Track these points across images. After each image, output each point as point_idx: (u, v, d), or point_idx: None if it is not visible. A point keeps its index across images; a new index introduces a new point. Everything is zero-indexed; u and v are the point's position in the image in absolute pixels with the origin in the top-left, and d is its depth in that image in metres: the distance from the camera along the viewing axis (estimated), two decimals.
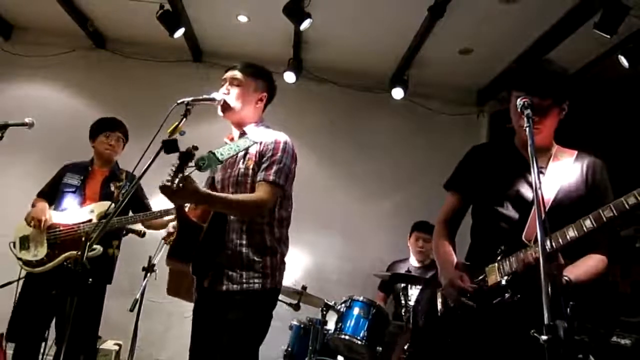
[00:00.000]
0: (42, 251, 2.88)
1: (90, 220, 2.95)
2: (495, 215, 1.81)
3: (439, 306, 1.88)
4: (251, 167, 2.02)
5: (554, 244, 1.51)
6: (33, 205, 3.03)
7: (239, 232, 2.00)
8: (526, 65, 1.88)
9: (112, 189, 3.12)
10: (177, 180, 1.63)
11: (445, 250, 1.93)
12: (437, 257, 1.96)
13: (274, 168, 1.98)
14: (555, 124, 1.80)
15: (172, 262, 2.03)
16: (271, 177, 1.96)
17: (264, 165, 1.99)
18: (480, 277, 1.75)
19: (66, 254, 2.87)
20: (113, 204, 2.97)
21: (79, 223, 2.95)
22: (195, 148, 1.69)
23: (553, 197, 1.71)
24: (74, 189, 3.07)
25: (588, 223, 1.49)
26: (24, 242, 2.91)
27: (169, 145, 1.70)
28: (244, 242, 1.99)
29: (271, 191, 1.96)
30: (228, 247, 2.00)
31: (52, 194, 3.11)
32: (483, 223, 1.89)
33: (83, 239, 2.78)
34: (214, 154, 1.82)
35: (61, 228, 2.93)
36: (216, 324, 1.96)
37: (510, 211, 1.78)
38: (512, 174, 1.83)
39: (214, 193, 1.91)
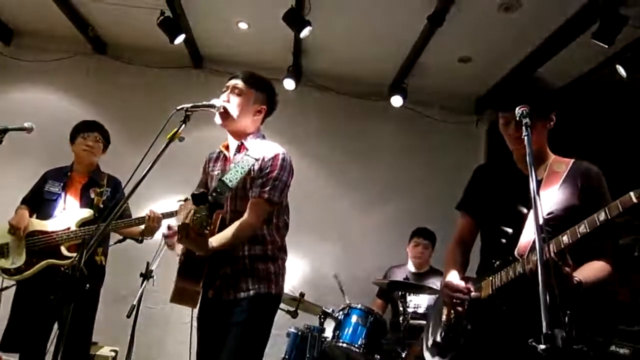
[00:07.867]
0: (20, 259, 2.83)
1: (68, 229, 2.91)
2: (495, 232, 1.88)
3: (444, 317, 1.95)
4: (249, 180, 2.05)
5: (549, 251, 1.51)
6: (16, 213, 2.99)
7: (241, 244, 2.04)
8: (509, 85, 1.92)
9: (92, 195, 3.07)
10: (205, 229, 1.75)
11: (450, 263, 2.00)
12: (444, 270, 2.03)
13: (270, 185, 2.02)
14: (545, 136, 1.83)
15: (182, 283, 2.05)
16: (266, 195, 2.01)
17: (260, 181, 2.03)
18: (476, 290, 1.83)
19: (44, 261, 2.83)
20: (92, 211, 2.98)
21: (58, 231, 2.90)
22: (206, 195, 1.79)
23: (548, 208, 1.73)
24: (55, 197, 3.03)
25: (582, 229, 1.48)
26: (3, 250, 2.86)
27: (199, 199, 1.77)
28: (246, 253, 2.05)
29: (263, 208, 2.02)
30: (232, 260, 2.04)
31: (34, 201, 3.07)
32: (486, 240, 1.97)
33: (62, 246, 2.82)
34: (224, 182, 1.92)
35: (40, 236, 2.89)
36: (223, 327, 1.99)
37: (506, 227, 1.83)
38: (511, 192, 1.87)
39: (215, 243, 1.92)
